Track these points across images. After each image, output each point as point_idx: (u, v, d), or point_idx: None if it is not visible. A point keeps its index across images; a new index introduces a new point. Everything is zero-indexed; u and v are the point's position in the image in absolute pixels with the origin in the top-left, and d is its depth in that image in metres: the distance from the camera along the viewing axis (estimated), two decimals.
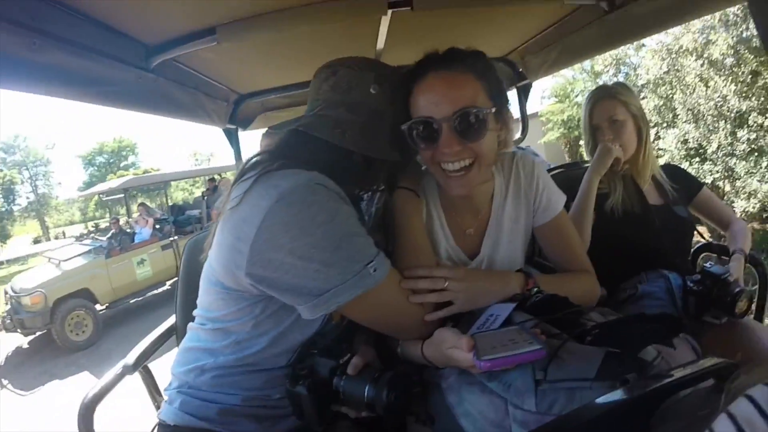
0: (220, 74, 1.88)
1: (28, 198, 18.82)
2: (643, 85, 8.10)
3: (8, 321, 6.66)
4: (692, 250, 1.83)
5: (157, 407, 1.89)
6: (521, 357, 0.78)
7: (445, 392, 0.97)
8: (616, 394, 0.66)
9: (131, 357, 1.72)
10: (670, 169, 1.80)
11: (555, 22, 1.84)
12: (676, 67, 7.36)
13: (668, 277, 1.51)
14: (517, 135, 2.73)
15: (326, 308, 0.88)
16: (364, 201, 1.20)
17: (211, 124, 2.18)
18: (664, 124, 7.68)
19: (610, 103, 1.66)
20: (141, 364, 1.75)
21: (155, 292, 8.03)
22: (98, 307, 7.17)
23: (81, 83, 1.22)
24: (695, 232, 1.75)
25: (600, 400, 0.66)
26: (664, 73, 7.56)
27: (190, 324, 1.10)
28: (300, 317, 0.92)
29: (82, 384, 5.72)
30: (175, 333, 1.90)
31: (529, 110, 2.83)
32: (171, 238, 8.22)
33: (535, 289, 1.05)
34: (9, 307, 6.73)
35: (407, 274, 1.03)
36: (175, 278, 8.08)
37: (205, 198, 9.30)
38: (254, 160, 0.96)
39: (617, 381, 0.74)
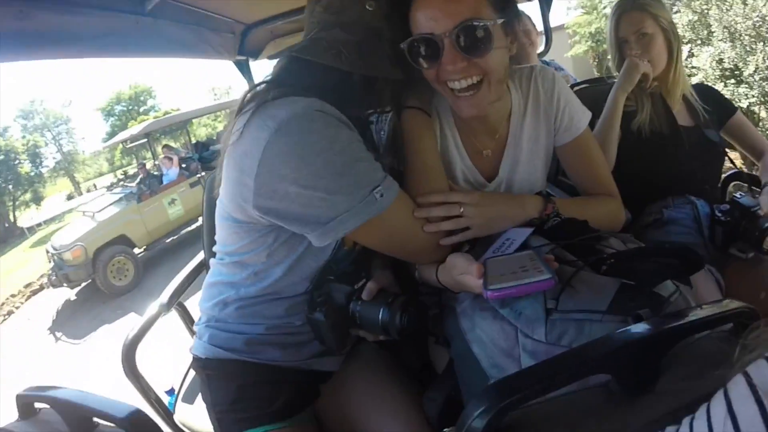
0: (222, 7, 1.80)
1: (54, 158, 19.37)
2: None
3: (54, 278, 6.97)
4: (722, 177, 1.74)
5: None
6: (530, 287, 0.74)
7: (459, 317, 0.96)
8: (627, 332, 0.62)
9: (165, 296, 1.82)
10: (703, 90, 1.66)
11: None
12: None
13: (696, 204, 1.46)
14: (541, 48, 2.56)
15: (334, 235, 0.88)
16: (373, 124, 1.15)
17: (220, 59, 2.13)
18: (698, 42, 7.09)
19: (638, 15, 1.53)
20: (174, 303, 1.84)
21: (189, 229, 8.24)
22: (136, 250, 7.49)
23: (79, 41, 1.19)
24: (726, 159, 1.66)
25: (610, 335, 0.63)
26: None
27: (212, 260, 1.14)
28: (312, 244, 0.92)
29: (129, 325, 6.07)
30: (205, 268, 1.96)
31: (554, 22, 2.66)
32: (198, 175, 8.33)
33: (554, 214, 1.01)
34: (52, 264, 7.05)
35: (421, 201, 0.99)
36: None
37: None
38: (253, 91, 0.94)
39: (629, 316, 0.72)
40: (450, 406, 1.02)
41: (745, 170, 1.81)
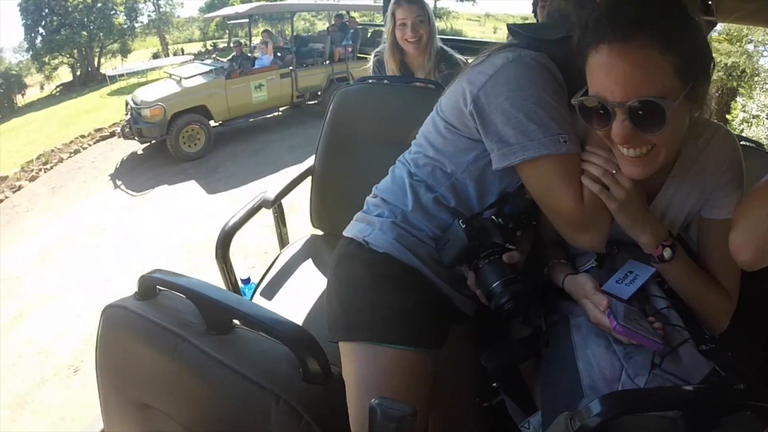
0: None
1: (149, 16, 19.39)
2: None
3: (127, 129, 7.25)
4: None
5: (281, 238, 2.10)
6: (646, 341, 0.87)
7: (572, 328, 1.01)
8: (705, 389, 0.85)
9: (271, 192, 1.88)
10: None
11: None
12: None
13: None
14: None
15: (513, 159, 0.99)
16: None
17: None
18: None
19: None
20: (279, 201, 1.91)
21: (267, 116, 8.47)
22: (212, 123, 7.70)
23: None
24: None
25: (695, 387, 0.85)
26: None
27: (403, 156, 1.21)
28: (501, 174, 1.05)
29: (187, 191, 6.47)
30: (312, 175, 2.04)
31: None
32: (290, 68, 8.35)
33: (669, 252, 0.98)
34: (129, 116, 7.28)
35: (588, 149, 1.00)
36: (288, 106, 8.78)
37: (330, 34, 9.18)
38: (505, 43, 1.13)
39: None
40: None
41: None
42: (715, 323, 1.04)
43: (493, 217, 1.05)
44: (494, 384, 1.12)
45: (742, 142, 2.09)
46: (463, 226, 1.01)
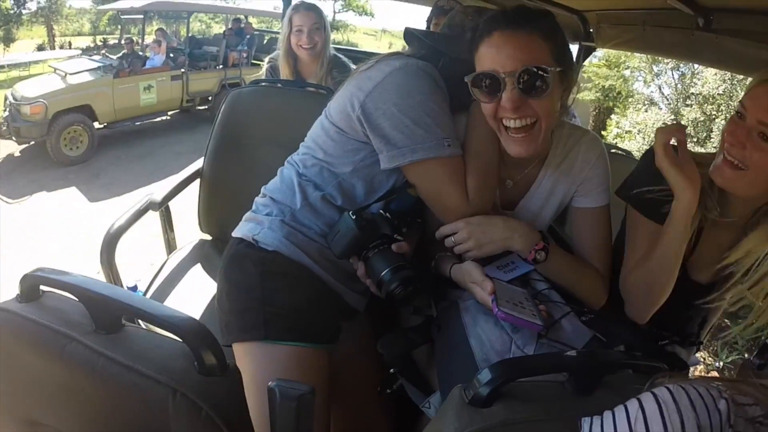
0: None
1: (39, 2, 17.53)
2: (692, 94, 7.82)
3: (3, 128, 6.46)
4: None
5: (168, 243, 2.02)
6: (526, 323, 0.97)
7: (462, 311, 1.11)
8: (587, 353, 0.95)
9: (158, 194, 1.81)
10: None
11: (646, 7, 1.78)
12: (732, 96, 7.06)
13: None
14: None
15: (401, 161, 1.07)
16: None
17: None
18: (695, 139, 7.54)
19: None
20: (166, 203, 1.84)
21: (154, 120, 7.98)
22: (96, 125, 7.06)
23: None
24: None
25: (578, 351, 0.98)
26: (718, 94, 7.29)
27: (291, 158, 1.25)
28: (388, 173, 1.13)
29: (68, 198, 5.85)
30: (200, 177, 1.98)
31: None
32: (182, 70, 7.96)
33: (542, 257, 1.11)
34: (7, 113, 6.49)
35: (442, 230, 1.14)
36: (177, 110, 8.32)
37: (226, 37, 8.94)
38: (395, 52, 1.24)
39: None
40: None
41: None
42: (594, 300, 1.19)
43: (381, 211, 1.12)
44: (392, 370, 1.16)
45: (613, 150, 2.39)
46: (353, 217, 1.06)
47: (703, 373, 4.84)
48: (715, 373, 5.04)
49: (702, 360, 4.94)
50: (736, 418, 0.58)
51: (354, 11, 24.31)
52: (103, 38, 16.49)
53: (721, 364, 5.04)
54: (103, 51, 9.41)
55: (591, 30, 2.38)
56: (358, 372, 1.30)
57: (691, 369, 1.49)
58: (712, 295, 1.15)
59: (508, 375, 0.72)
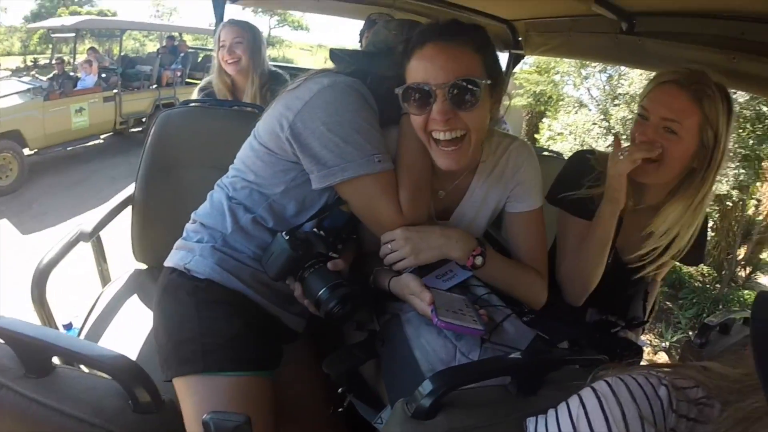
0: None
1: None
2: (619, 94, 8.20)
3: None
4: None
5: (102, 275, 1.92)
6: (468, 330, 0.98)
7: (404, 323, 1.11)
8: (527, 355, 0.96)
9: (88, 225, 1.72)
10: None
11: (572, 14, 1.86)
12: None
13: None
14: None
15: (332, 180, 1.07)
16: None
17: None
18: (624, 136, 7.92)
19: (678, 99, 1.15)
20: (97, 233, 1.75)
21: (87, 144, 7.66)
22: (26, 151, 6.64)
23: None
24: None
25: (518, 355, 0.98)
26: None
27: (221, 181, 1.22)
28: (320, 192, 1.12)
29: None
30: (132, 204, 1.90)
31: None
32: (114, 91, 7.69)
33: (480, 263, 1.12)
34: None
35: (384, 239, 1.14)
36: (111, 133, 8.03)
37: (160, 56, 8.73)
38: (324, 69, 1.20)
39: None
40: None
41: None
42: (534, 300, 1.22)
43: (314, 229, 1.11)
44: (339, 389, 1.16)
45: (544, 152, 2.47)
46: (287, 238, 1.04)
47: (650, 355, 5.10)
48: (663, 354, 5.32)
49: (648, 342, 5.21)
50: (678, 402, 0.60)
51: (290, 26, 24.33)
52: (34, 58, 15.70)
53: (668, 344, 5.34)
54: (33, 72, 8.90)
55: (520, 38, 2.47)
56: (305, 394, 1.28)
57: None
58: (645, 269, 1.33)
59: (449, 384, 0.72)
